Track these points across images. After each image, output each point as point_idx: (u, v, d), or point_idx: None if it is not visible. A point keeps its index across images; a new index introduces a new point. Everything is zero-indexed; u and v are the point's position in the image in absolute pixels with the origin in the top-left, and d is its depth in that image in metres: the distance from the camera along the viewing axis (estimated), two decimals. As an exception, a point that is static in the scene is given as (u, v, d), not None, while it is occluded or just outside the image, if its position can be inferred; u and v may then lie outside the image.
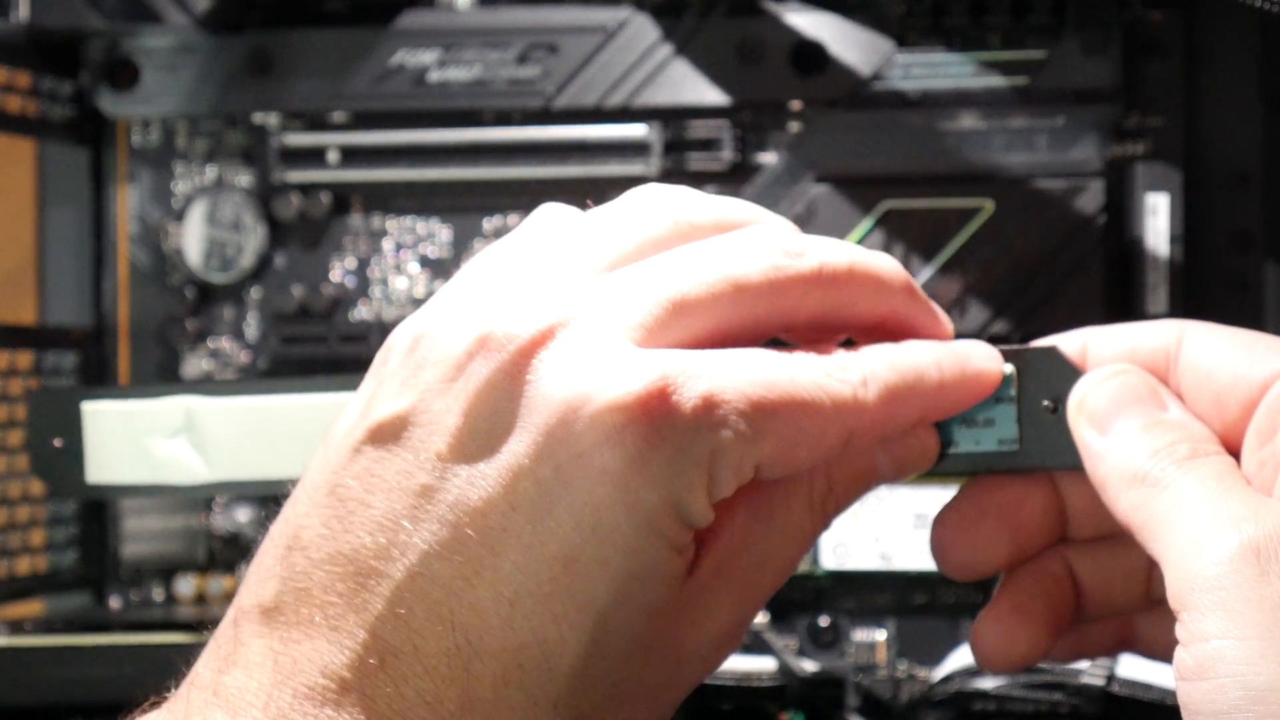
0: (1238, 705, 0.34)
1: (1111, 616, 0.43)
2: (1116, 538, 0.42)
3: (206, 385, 0.50)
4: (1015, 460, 0.41)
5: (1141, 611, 0.43)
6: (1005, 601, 0.42)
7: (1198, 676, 0.35)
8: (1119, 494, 0.38)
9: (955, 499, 0.43)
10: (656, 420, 0.35)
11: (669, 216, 0.39)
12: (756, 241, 0.39)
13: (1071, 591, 0.43)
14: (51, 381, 0.70)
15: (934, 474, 0.41)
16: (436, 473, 0.36)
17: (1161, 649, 0.43)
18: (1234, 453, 0.39)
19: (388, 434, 0.36)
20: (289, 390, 0.51)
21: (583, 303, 0.37)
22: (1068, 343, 0.42)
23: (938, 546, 0.43)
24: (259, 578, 0.37)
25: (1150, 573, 0.43)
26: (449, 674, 0.35)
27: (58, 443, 0.50)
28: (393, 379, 0.37)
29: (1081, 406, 0.40)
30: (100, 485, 0.47)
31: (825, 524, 0.40)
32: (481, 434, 0.35)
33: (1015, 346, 0.41)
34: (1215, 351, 0.40)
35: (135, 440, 0.48)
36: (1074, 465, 0.40)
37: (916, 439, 0.40)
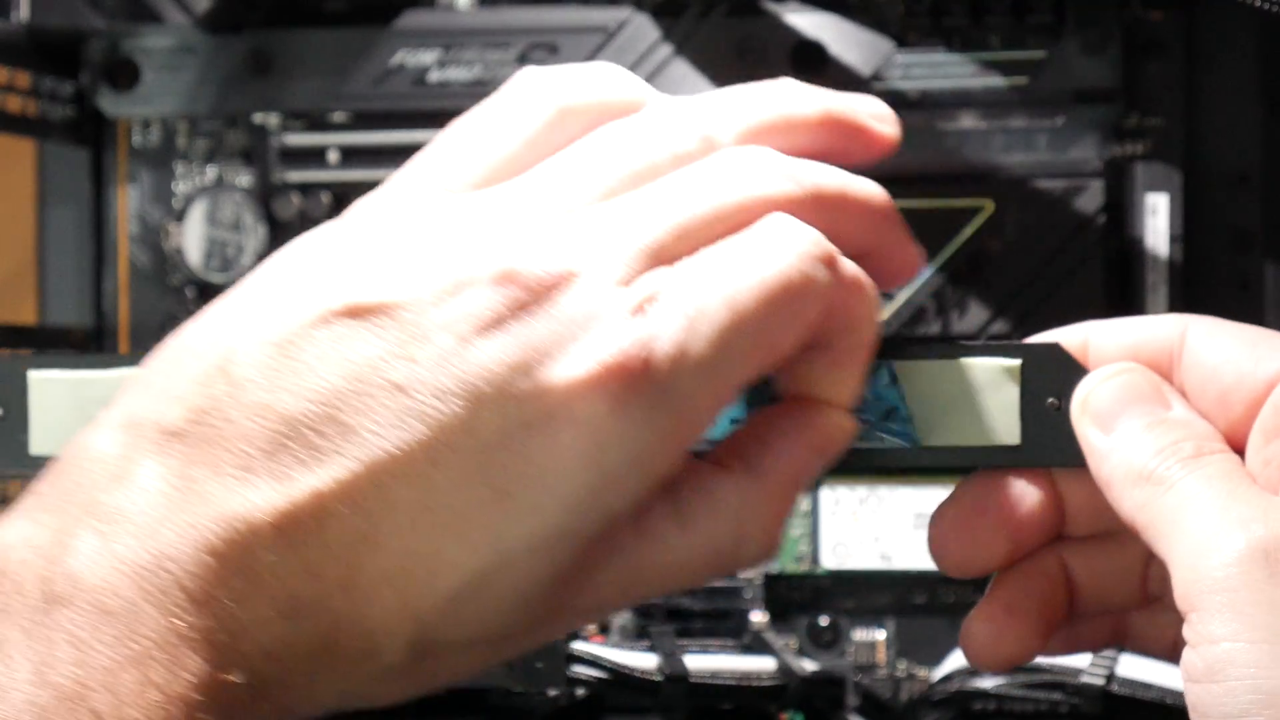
0: (1249, 709, 0.34)
1: (1105, 613, 0.43)
2: (1113, 535, 0.41)
3: None
4: (1016, 457, 0.41)
5: (1136, 608, 0.43)
6: (998, 600, 0.42)
7: (1208, 679, 0.35)
8: (1123, 492, 0.38)
9: (954, 495, 0.42)
10: (629, 383, 0.35)
11: (658, 146, 0.39)
12: (759, 164, 0.39)
13: (1065, 589, 0.43)
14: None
15: (852, 470, 0.41)
16: (408, 377, 0.35)
17: (1155, 645, 0.43)
18: (1239, 451, 0.39)
19: (369, 316, 0.36)
20: None
21: (592, 245, 0.36)
22: (1069, 337, 0.42)
23: (936, 543, 0.43)
24: (167, 392, 0.36)
25: (1146, 570, 0.43)
26: (339, 556, 0.35)
27: (0, 411, 0.49)
28: (386, 258, 0.36)
29: (1085, 405, 0.40)
30: (45, 457, 0.46)
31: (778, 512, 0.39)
32: (466, 355, 0.35)
33: (1018, 343, 0.41)
34: (1219, 349, 0.40)
35: (84, 411, 0.47)
36: (1076, 463, 0.40)
37: (832, 415, 0.40)
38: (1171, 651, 0.42)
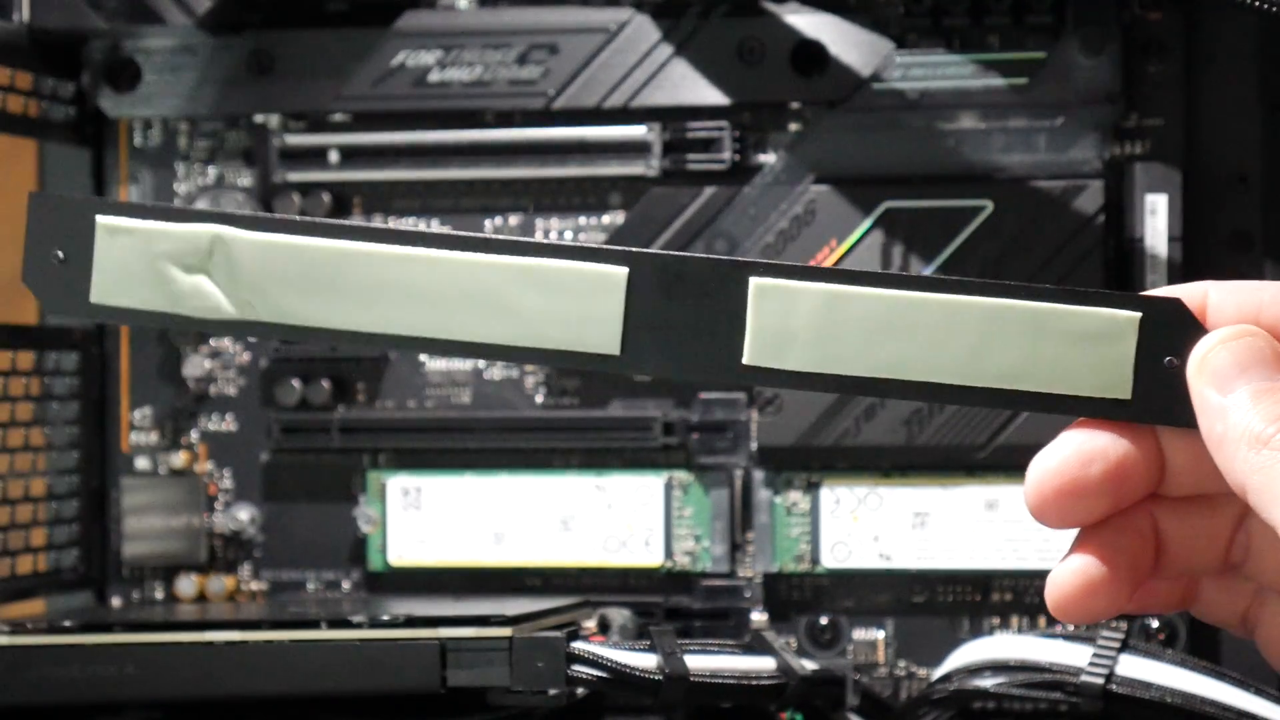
0: None
1: (1182, 576, 0.43)
2: (1208, 498, 0.41)
3: (239, 217, 0.45)
4: (1126, 411, 0.40)
5: (1214, 574, 0.43)
6: (1089, 554, 0.41)
7: None
8: (1235, 454, 0.38)
9: (1057, 445, 0.41)
10: None
11: None
12: None
13: (1154, 548, 0.42)
14: (54, 382, 0.70)
15: None
16: None
17: (1224, 612, 0.43)
18: None
19: None
20: (335, 234, 0.46)
21: None
22: (1188, 293, 0.41)
23: (1036, 493, 0.41)
24: None
25: (1233, 537, 0.42)
26: None
27: (59, 254, 0.47)
28: None
29: (1204, 364, 0.39)
30: (105, 306, 0.44)
31: None
32: None
33: (1137, 295, 0.41)
34: None
35: (152, 265, 0.45)
36: (1186, 423, 0.40)
37: None
38: (1241, 623, 0.43)
